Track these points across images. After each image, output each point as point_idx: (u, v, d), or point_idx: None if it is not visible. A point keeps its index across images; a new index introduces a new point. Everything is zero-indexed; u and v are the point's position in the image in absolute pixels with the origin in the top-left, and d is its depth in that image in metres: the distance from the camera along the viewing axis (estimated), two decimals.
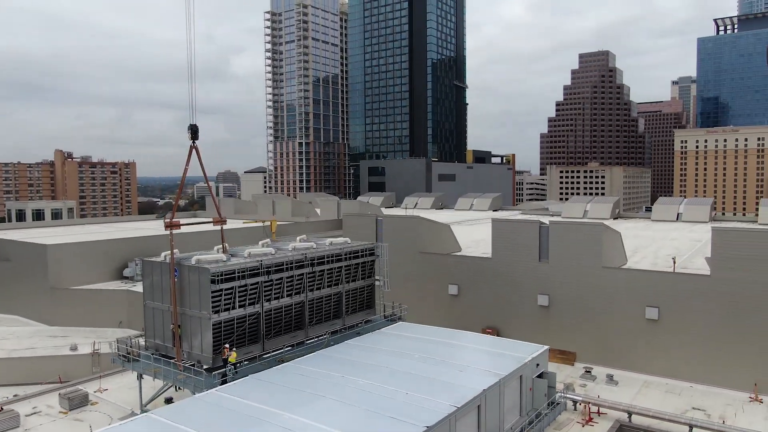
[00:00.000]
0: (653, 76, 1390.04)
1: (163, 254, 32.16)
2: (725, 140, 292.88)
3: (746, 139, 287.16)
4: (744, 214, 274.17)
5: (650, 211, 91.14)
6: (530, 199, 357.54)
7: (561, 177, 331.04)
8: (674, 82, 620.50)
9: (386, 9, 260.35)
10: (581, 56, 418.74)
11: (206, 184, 37.88)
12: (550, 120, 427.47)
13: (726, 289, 36.60)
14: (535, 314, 43.73)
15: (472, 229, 76.01)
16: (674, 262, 40.71)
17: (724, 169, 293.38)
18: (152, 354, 31.88)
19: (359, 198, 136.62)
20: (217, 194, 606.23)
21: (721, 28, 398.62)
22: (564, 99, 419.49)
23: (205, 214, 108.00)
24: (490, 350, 32.40)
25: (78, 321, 54.93)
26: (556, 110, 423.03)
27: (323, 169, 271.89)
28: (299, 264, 33.94)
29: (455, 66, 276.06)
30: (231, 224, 78.21)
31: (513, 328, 44.47)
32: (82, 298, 56.10)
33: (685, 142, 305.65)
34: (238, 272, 30.36)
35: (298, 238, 39.67)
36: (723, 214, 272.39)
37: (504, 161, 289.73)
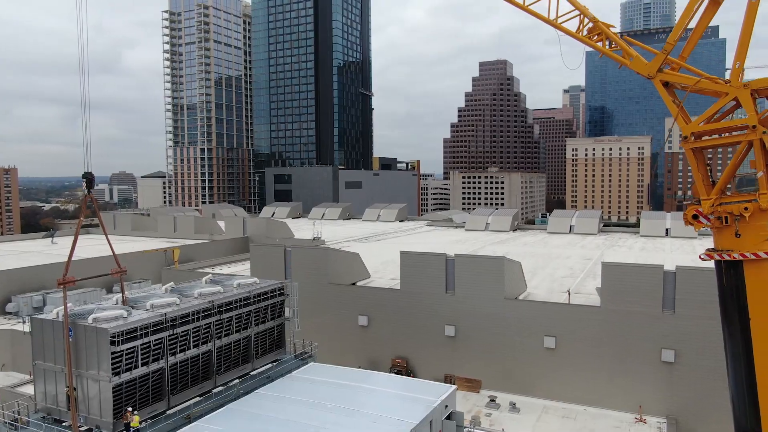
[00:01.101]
0: (546, 82, 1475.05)
1: (55, 310, 29.93)
2: (611, 149, 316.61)
3: (628, 148, 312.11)
4: (627, 218, 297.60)
5: (546, 216, 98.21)
6: (435, 206, 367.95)
7: (464, 182, 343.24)
8: (565, 91, 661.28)
9: (291, 14, 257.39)
10: (481, 64, 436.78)
11: (103, 232, 35.52)
12: (452, 125, 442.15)
13: (614, 320, 39.64)
14: (443, 344, 45.07)
15: (381, 246, 77.14)
16: (569, 294, 43.49)
17: (610, 176, 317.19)
18: (44, 419, 29.57)
19: (265, 209, 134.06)
20: (111, 198, 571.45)
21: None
22: (465, 105, 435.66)
23: (97, 230, 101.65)
24: (401, 394, 33.01)
25: None
26: (458, 116, 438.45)
27: (227, 176, 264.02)
28: (206, 313, 32.82)
29: (361, 72, 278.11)
30: (130, 247, 74.20)
31: (422, 358, 45.63)
32: None
33: (576, 150, 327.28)
34: (141, 329, 28.85)
35: (203, 279, 38.36)
36: (609, 218, 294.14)
37: (409, 167, 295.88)
